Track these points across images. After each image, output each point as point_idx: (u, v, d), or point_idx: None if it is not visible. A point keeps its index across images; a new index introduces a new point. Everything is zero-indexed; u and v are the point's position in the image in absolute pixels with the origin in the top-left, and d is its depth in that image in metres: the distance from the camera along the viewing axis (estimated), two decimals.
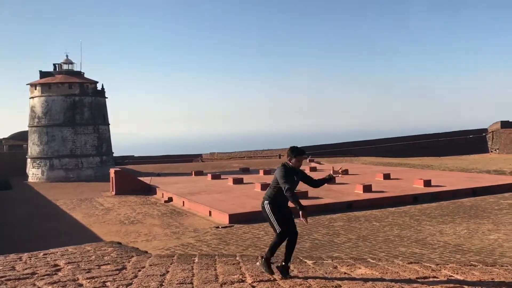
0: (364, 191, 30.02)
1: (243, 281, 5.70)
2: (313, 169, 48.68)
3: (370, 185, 30.96)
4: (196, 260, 7.08)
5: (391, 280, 5.57)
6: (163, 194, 37.58)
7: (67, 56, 61.47)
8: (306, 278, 5.82)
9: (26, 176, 58.04)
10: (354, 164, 55.42)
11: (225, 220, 25.14)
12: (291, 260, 6.23)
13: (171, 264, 6.79)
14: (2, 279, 6.20)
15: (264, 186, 34.80)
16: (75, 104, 57.24)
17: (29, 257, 7.97)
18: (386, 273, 6.01)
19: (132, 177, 43.10)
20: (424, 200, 27.60)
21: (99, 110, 60.10)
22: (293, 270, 6.32)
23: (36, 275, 6.38)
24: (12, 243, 21.52)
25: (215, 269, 6.50)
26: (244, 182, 39.84)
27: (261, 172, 47.64)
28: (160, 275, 6.15)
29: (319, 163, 59.47)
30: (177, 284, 5.62)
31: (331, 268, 6.38)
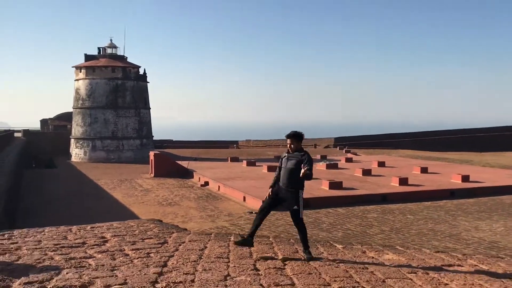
0: (400, 184, 29.86)
1: (275, 258, 6.09)
2: (348, 160, 48.50)
3: (407, 178, 30.74)
4: (232, 239, 7.53)
5: (417, 266, 5.84)
6: (199, 178, 38.45)
7: (111, 40, 63.10)
8: (334, 260, 6.15)
9: (70, 156, 60.26)
10: (392, 156, 54.81)
11: (258, 206, 25.48)
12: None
13: (208, 241, 7.25)
14: (57, 246, 6.82)
15: None
16: (117, 87, 58.82)
17: (78, 229, 8.62)
18: (413, 259, 6.28)
19: (171, 161, 44.21)
20: (461, 196, 27.22)
21: (141, 94, 61.57)
22: (323, 252, 6.67)
23: (86, 244, 6.97)
24: (57, 219, 22.68)
25: (249, 247, 6.93)
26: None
27: None
28: (199, 249, 6.62)
29: (355, 154, 59.10)
30: (214, 257, 6.07)
31: (359, 253, 6.69)
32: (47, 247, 6.68)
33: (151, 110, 64.06)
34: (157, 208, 26.53)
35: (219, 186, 33.55)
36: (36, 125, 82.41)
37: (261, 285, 4.74)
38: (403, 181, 30.27)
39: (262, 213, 6.70)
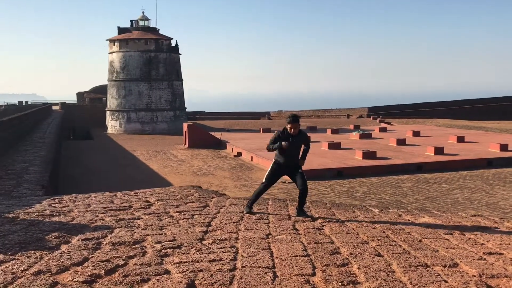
0: (435, 153, 29.52)
1: (313, 221, 6.32)
2: (382, 130, 48.00)
3: (442, 148, 30.33)
4: (270, 203, 7.79)
5: (453, 227, 5.96)
6: (232, 148, 38.91)
7: (143, 12, 63.44)
8: (371, 222, 6.33)
9: (106, 128, 61.72)
10: (427, 125, 53.90)
11: None
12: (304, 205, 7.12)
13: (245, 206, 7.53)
14: (106, 209, 7.24)
15: (331, 145, 35.05)
16: (150, 60, 59.42)
17: (123, 195, 9.05)
18: (449, 222, 6.39)
19: (204, 132, 44.80)
20: (499, 165, 26.75)
21: (173, 66, 62.06)
22: (359, 216, 6.85)
23: (133, 207, 7.36)
24: (97, 189, 23.51)
25: (287, 210, 7.18)
26: (311, 140, 40.17)
27: (329, 131, 47.68)
28: (239, 212, 6.92)
29: (389, 124, 58.36)
30: (255, 219, 6.34)
31: (395, 216, 6.84)
32: (97, 210, 7.10)
33: (183, 82, 64.62)
34: (192, 178, 27.10)
35: (252, 157, 33.92)
36: (73, 98, 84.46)
37: (301, 242, 4.98)
38: (439, 150, 29.89)
39: (267, 188, 7.18)
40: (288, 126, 6.79)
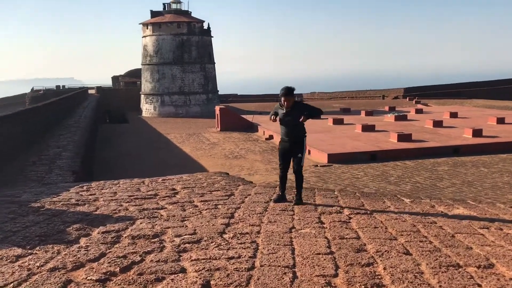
0: (473, 136, 28.54)
1: (340, 212, 6.08)
2: (419, 111, 46.79)
3: (481, 130, 29.28)
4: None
5: (489, 220, 5.61)
6: (264, 131, 38.73)
7: None
8: (401, 213, 6.05)
9: (140, 111, 62.57)
10: (465, 106, 52.21)
11: (323, 159, 25.49)
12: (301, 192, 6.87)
13: (273, 193, 7.35)
14: (131, 197, 7.21)
15: (365, 128, 34.39)
16: (183, 43, 59.53)
17: (150, 182, 9.03)
18: (485, 214, 6.03)
19: (236, 115, 44.73)
20: None
21: (205, 49, 62.02)
22: (389, 206, 6.56)
23: (158, 196, 7.30)
24: (131, 171, 23.88)
25: (314, 200, 6.95)
26: (344, 122, 39.57)
27: (363, 113, 46.79)
28: (264, 202, 6.75)
29: (426, 105, 56.83)
30: (279, 210, 6.16)
31: (428, 207, 6.52)
32: (122, 199, 7.07)
33: (215, 64, 64.56)
34: (224, 161, 27.15)
35: None
36: (108, 82, 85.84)
37: (326, 237, 4.76)
38: (477, 133, 28.87)
39: (285, 169, 6.86)
40: (282, 99, 6.56)
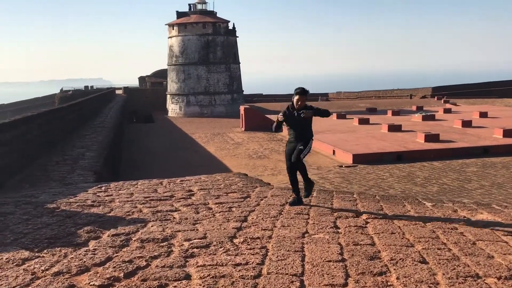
0: (504, 136, 27.74)
1: (357, 216, 5.89)
2: (447, 111, 45.80)
3: (511, 130, 28.45)
4: (315, 194, 7.40)
5: None
6: None
7: None
8: (421, 218, 5.81)
9: (166, 111, 63.14)
10: (496, 106, 50.82)
11: (348, 159, 25.17)
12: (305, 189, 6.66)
13: (290, 196, 7.20)
14: (147, 199, 7.17)
15: (391, 128, 33.83)
16: (208, 43, 59.79)
17: (168, 183, 9.00)
18: (510, 220, 5.74)
19: (260, 115, 44.62)
20: None
21: (230, 49, 62.13)
22: (409, 210, 6.33)
23: (174, 197, 7.24)
24: (155, 171, 24.08)
25: (332, 203, 6.76)
26: (370, 122, 39.03)
27: (389, 112, 46.06)
28: (280, 205, 6.60)
29: (455, 104, 55.60)
30: (294, 213, 6.01)
31: (450, 211, 6.25)
32: (138, 200, 7.03)
33: (240, 65, 64.59)
34: (248, 161, 27.08)
35: None
36: (135, 83, 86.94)
37: (339, 243, 4.59)
38: (508, 133, 28.04)
39: (293, 171, 6.68)
40: (296, 98, 6.42)
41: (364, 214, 5.98)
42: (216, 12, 63.22)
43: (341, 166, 23.47)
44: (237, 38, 64.01)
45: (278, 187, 8.39)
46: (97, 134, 20.36)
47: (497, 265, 3.94)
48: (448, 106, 52.07)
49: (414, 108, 49.89)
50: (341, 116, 44.19)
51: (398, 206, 6.63)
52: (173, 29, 61.51)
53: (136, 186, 8.70)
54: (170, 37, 62.14)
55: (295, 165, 6.50)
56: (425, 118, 39.96)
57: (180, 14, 62.40)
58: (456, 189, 17.51)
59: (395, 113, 45.38)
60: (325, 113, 6.69)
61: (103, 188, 8.51)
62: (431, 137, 28.37)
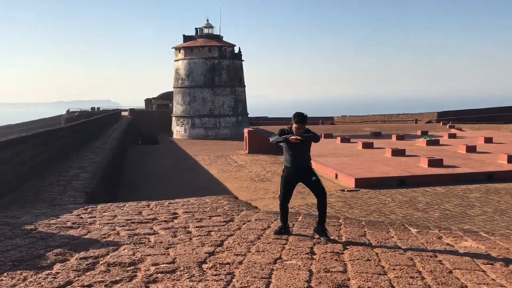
0: (508, 162, 27.42)
1: (336, 242, 5.73)
2: (452, 136, 45.53)
3: None
4: (300, 219, 7.26)
5: (496, 257, 5.12)
6: None
7: (207, 20, 64.69)
8: (403, 245, 5.63)
9: (171, 133, 63.39)
10: (501, 132, 50.45)
11: (351, 183, 24.95)
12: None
13: (274, 220, 7.07)
14: (128, 221, 7.07)
15: (395, 152, 33.60)
16: (214, 66, 60.37)
17: (155, 205, 8.89)
18: (494, 248, 5.55)
19: (264, 137, 44.58)
20: None
21: (236, 73, 62.61)
22: (393, 237, 6.17)
23: (156, 220, 7.14)
24: (154, 192, 23.96)
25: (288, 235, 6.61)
26: (374, 146, 38.84)
27: (394, 137, 45.85)
28: (261, 229, 6.46)
29: (460, 129, 55.29)
30: (273, 238, 5.86)
31: (434, 238, 6.08)
32: (118, 222, 6.93)
33: (246, 88, 64.97)
34: (249, 184, 26.93)
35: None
36: (142, 104, 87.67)
37: (310, 270, 4.45)
38: None
39: (286, 199, 6.41)
40: (294, 126, 6.09)
41: (344, 240, 5.82)
42: (222, 36, 64.00)
43: (343, 190, 23.24)
44: (243, 62, 64.60)
45: (264, 211, 8.26)
46: (96, 155, 20.37)
47: None
48: (453, 131, 51.77)
49: (419, 132, 49.65)
50: (345, 139, 44.05)
51: (382, 232, 6.46)
52: (179, 52, 62.22)
53: (122, 208, 8.60)
54: (177, 60, 62.82)
55: (323, 199, 6.24)
56: (429, 143, 39.72)
57: (187, 38, 63.20)
58: (458, 215, 17.22)
59: (400, 137, 45.17)
60: (317, 139, 6.38)
61: (88, 209, 8.42)
62: (434, 162, 28.12)
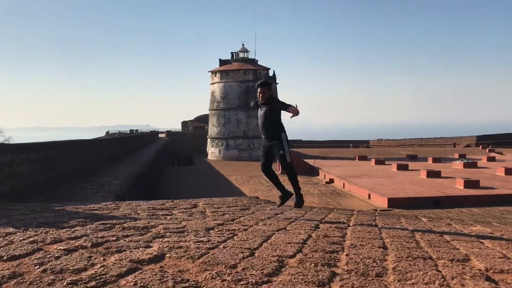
0: None
1: (343, 223, 5.90)
2: (491, 159, 44.42)
3: None
4: (315, 210, 7.45)
5: (500, 238, 5.16)
6: (325, 175, 38.37)
7: (243, 44, 66.09)
8: (412, 230, 5.75)
9: (206, 154, 64.40)
10: None
11: (384, 203, 24.77)
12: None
13: (290, 210, 7.31)
14: (150, 208, 7.45)
15: (430, 173, 33.12)
16: (248, 89, 61.39)
17: (179, 201, 9.26)
18: (500, 231, 5.59)
19: (297, 158, 44.75)
20: None
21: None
22: (401, 222, 6.28)
23: (176, 208, 7.49)
24: None
25: (327, 215, 6.80)
26: (409, 168, 38.39)
27: (430, 159, 45.15)
28: (274, 214, 6.72)
29: (500, 153, 53.81)
30: (283, 219, 6.11)
31: (443, 225, 6.15)
32: (141, 208, 7.32)
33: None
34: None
35: (344, 184, 33.14)
36: (178, 127, 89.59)
37: (310, 235, 4.65)
38: None
39: (267, 172, 6.78)
40: (258, 90, 6.52)
41: (352, 223, 5.99)
42: (257, 60, 65.16)
43: (376, 210, 23.06)
44: (277, 85, 65.36)
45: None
46: (129, 167, 21.11)
47: (457, 253, 3.90)
48: (492, 154, 50.47)
49: (456, 156, 48.69)
50: (379, 162, 43.69)
51: (393, 219, 6.59)
52: (215, 75, 63.67)
53: (150, 202, 9.00)
54: (213, 83, 64.25)
55: (289, 173, 6.53)
56: (466, 165, 38.90)
57: (223, 62, 64.70)
58: None
59: (436, 160, 44.43)
60: (285, 106, 6.21)
61: (115, 202, 8.86)
62: (470, 183, 27.59)
